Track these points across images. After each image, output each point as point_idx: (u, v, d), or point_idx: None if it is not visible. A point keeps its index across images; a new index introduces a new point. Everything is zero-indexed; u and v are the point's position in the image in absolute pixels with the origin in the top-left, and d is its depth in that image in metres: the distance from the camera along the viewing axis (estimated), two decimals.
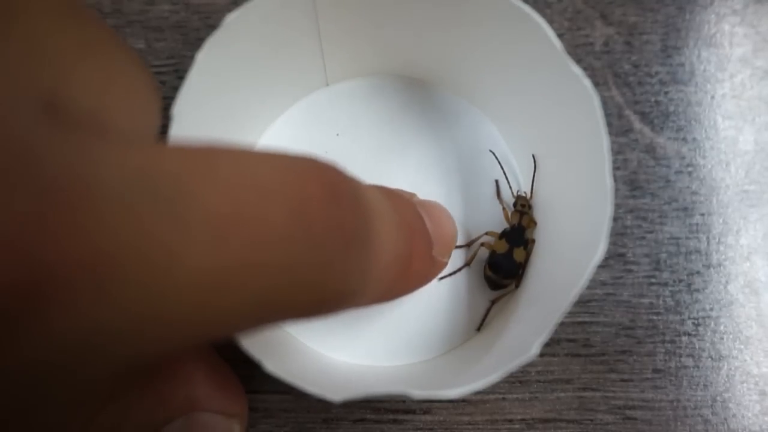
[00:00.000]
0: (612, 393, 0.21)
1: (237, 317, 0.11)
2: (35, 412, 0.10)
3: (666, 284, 0.22)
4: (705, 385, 0.21)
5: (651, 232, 0.22)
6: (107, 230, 0.08)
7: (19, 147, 0.08)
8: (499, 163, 0.21)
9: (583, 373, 0.21)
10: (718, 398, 0.21)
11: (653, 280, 0.22)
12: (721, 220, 0.23)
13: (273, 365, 0.15)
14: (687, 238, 0.22)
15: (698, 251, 0.22)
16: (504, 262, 0.20)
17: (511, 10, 0.17)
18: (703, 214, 0.23)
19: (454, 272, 0.21)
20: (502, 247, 0.20)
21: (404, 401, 0.21)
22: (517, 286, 0.21)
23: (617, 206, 0.23)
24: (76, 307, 0.08)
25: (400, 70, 0.22)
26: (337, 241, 0.12)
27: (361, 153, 0.22)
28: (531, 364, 0.21)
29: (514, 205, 0.21)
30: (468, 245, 0.21)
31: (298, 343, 0.21)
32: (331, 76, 0.22)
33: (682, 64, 0.24)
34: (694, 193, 0.23)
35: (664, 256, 0.22)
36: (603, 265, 0.22)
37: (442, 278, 0.21)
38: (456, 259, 0.21)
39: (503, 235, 0.21)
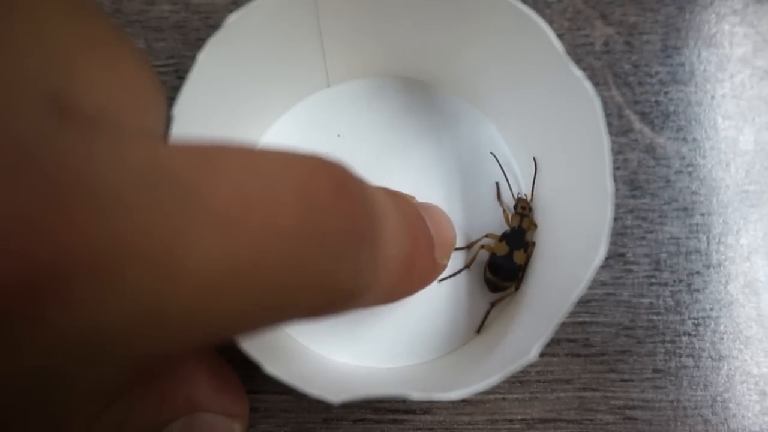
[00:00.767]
0: (612, 393, 0.21)
1: (244, 316, 0.11)
2: (36, 412, 0.10)
3: (666, 284, 0.22)
4: (705, 385, 0.21)
5: (651, 232, 0.22)
6: (110, 228, 0.08)
7: (22, 143, 0.08)
8: (499, 164, 0.21)
9: (583, 373, 0.21)
10: (718, 398, 0.21)
11: (653, 280, 0.22)
12: (721, 220, 0.23)
13: (273, 367, 0.15)
14: (687, 238, 0.22)
15: (698, 251, 0.22)
16: (504, 264, 0.20)
17: (512, 11, 0.17)
18: (703, 214, 0.23)
19: (454, 274, 0.21)
20: (503, 249, 0.20)
21: (404, 401, 0.21)
22: (516, 289, 0.21)
23: (617, 206, 0.23)
24: (77, 307, 0.08)
25: (401, 71, 0.22)
26: (347, 236, 0.12)
27: (362, 154, 0.22)
28: (531, 365, 0.21)
29: (515, 207, 0.21)
30: (468, 247, 0.21)
31: (298, 345, 0.21)
32: (333, 77, 0.22)
33: (682, 64, 0.24)
34: (694, 193, 0.23)
35: (664, 256, 0.22)
36: (603, 265, 0.22)
37: (442, 280, 0.21)
38: (456, 261, 0.21)
39: (503, 237, 0.21)
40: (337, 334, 0.21)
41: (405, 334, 0.21)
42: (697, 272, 0.22)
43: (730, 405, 0.21)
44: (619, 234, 0.22)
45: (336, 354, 0.21)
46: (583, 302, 0.22)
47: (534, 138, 0.20)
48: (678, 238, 0.22)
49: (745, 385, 0.22)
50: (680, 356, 0.22)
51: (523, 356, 0.15)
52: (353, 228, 0.12)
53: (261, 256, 0.10)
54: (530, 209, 0.21)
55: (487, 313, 0.21)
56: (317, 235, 0.11)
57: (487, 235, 0.21)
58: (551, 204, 0.20)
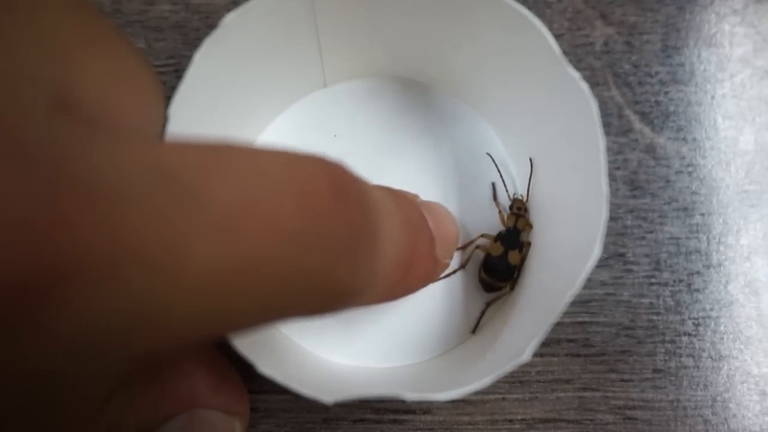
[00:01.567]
0: (612, 393, 0.21)
1: (244, 316, 0.11)
2: (36, 412, 0.10)
3: (666, 284, 0.22)
4: (705, 385, 0.21)
5: (651, 232, 0.22)
6: (110, 229, 0.08)
7: (23, 142, 0.08)
8: (495, 165, 0.21)
9: (583, 373, 0.21)
10: (718, 398, 0.21)
11: (653, 280, 0.22)
12: (721, 220, 0.23)
13: (267, 366, 0.15)
14: (687, 238, 0.22)
15: (698, 251, 0.22)
16: (499, 264, 0.20)
17: (509, 12, 0.17)
18: (703, 214, 0.23)
19: (449, 274, 0.21)
20: (497, 249, 0.21)
21: (404, 401, 0.21)
22: (511, 289, 0.21)
23: (617, 206, 0.23)
24: (76, 308, 0.08)
25: (398, 71, 0.22)
26: (346, 237, 0.12)
27: (359, 154, 0.22)
28: (531, 365, 0.21)
29: (510, 207, 0.21)
30: (463, 248, 0.21)
31: (293, 345, 0.21)
32: (330, 77, 0.22)
33: (682, 64, 0.24)
34: (694, 193, 0.23)
35: (664, 256, 0.22)
36: (603, 265, 0.22)
37: (437, 280, 0.21)
38: (451, 261, 0.21)
39: (498, 237, 0.21)
40: (333, 334, 0.21)
41: (400, 334, 0.21)
42: (697, 272, 0.22)
43: (730, 405, 0.21)
44: (619, 234, 0.22)
45: (331, 354, 0.21)
46: (583, 302, 0.22)
47: (530, 139, 0.21)
48: (678, 238, 0.22)
49: (745, 385, 0.21)
50: (680, 356, 0.22)
51: (516, 357, 0.15)
52: (352, 229, 0.12)
53: (261, 256, 0.10)
54: (526, 210, 0.21)
55: (482, 313, 0.21)
56: (317, 237, 0.11)
57: (482, 235, 0.21)
58: (547, 204, 0.20)
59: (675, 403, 0.21)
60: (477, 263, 0.21)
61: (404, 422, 0.21)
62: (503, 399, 0.21)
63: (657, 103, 0.23)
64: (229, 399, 0.17)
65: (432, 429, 0.21)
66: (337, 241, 0.11)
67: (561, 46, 0.23)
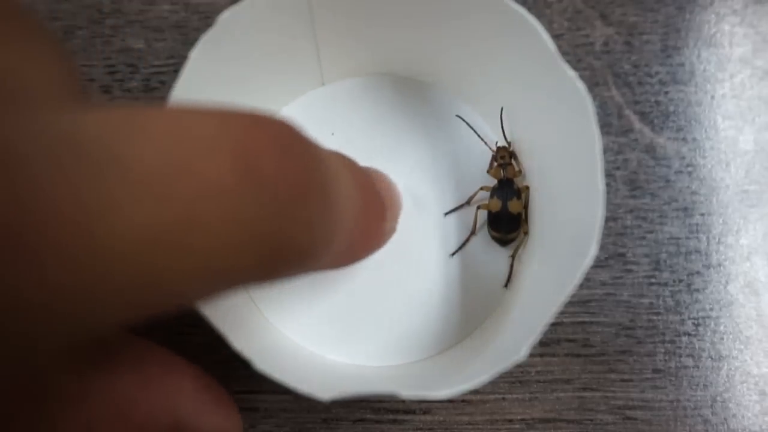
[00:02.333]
0: (612, 393, 0.21)
1: (188, 278, 0.10)
2: None
3: (666, 284, 0.22)
4: (705, 385, 0.21)
5: (651, 232, 0.22)
6: (36, 195, 0.08)
7: None
8: (470, 127, 0.22)
9: (583, 373, 0.21)
10: (718, 398, 0.21)
11: (653, 280, 0.22)
12: (721, 220, 0.23)
13: (263, 364, 0.15)
14: (687, 238, 0.22)
15: (698, 251, 0.22)
16: (502, 218, 0.21)
17: (505, 11, 0.17)
18: (703, 214, 0.23)
19: (463, 244, 0.21)
20: (496, 205, 0.21)
21: (404, 401, 0.21)
22: (526, 233, 0.21)
23: (617, 206, 0.23)
24: (9, 275, 0.08)
25: (395, 69, 0.22)
26: (288, 194, 0.11)
27: (356, 152, 0.22)
28: (531, 365, 0.21)
29: (495, 158, 0.21)
30: (468, 202, 0.22)
31: (291, 343, 0.21)
32: (327, 75, 0.22)
33: (682, 64, 0.24)
34: (694, 193, 0.23)
35: (664, 256, 0.22)
36: (603, 265, 0.22)
37: (453, 254, 0.21)
38: (459, 229, 0.22)
39: (493, 193, 0.21)
40: (331, 333, 0.21)
41: (397, 333, 0.21)
42: (697, 272, 0.22)
43: (730, 405, 0.21)
44: (619, 234, 0.22)
45: (329, 352, 0.21)
46: (583, 302, 0.22)
47: (527, 137, 0.21)
48: (678, 238, 0.22)
49: (745, 385, 0.21)
50: (680, 356, 0.22)
51: (513, 356, 0.15)
52: (296, 185, 0.12)
53: (194, 217, 0.10)
54: (511, 155, 0.21)
55: (511, 266, 0.21)
56: (257, 194, 0.11)
57: (481, 188, 0.21)
58: (545, 203, 0.20)
59: (675, 403, 0.21)
60: (472, 264, 0.21)
61: (404, 422, 0.21)
62: (503, 399, 0.21)
63: (657, 103, 0.23)
64: (217, 417, 0.17)
65: (432, 429, 0.21)
66: (282, 198, 0.11)
67: (561, 46, 0.24)
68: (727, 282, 0.22)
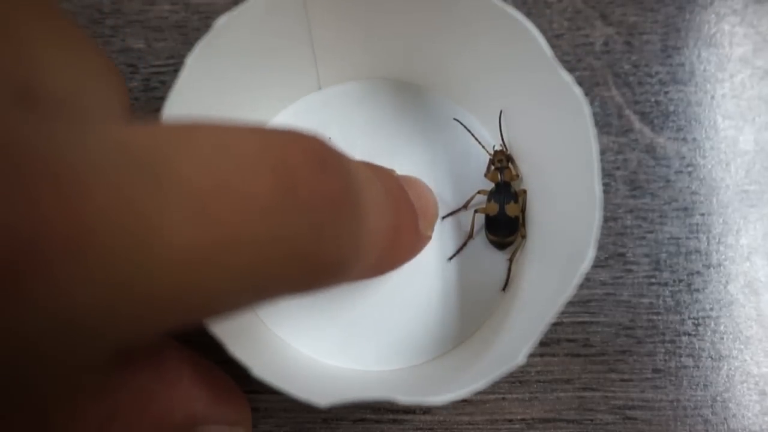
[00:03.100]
0: (612, 393, 0.21)
1: (227, 292, 0.11)
2: (18, 393, 0.10)
3: (666, 284, 0.22)
4: (705, 385, 0.21)
5: (651, 232, 0.22)
6: (87, 205, 0.08)
7: None
8: (468, 130, 0.22)
9: (583, 373, 0.21)
10: (718, 398, 0.21)
11: (653, 280, 0.22)
12: (721, 220, 0.23)
13: (261, 370, 0.15)
14: (687, 238, 0.22)
15: (698, 251, 0.22)
16: (500, 221, 0.21)
17: (502, 15, 0.17)
18: (703, 214, 0.23)
19: (461, 248, 0.21)
20: (493, 208, 0.21)
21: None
22: (523, 237, 0.21)
23: (617, 206, 0.23)
24: (57, 283, 0.08)
25: (392, 74, 0.22)
26: (326, 209, 0.12)
27: (354, 157, 0.22)
28: (531, 365, 0.21)
29: (492, 162, 0.21)
30: (465, 206, 0.22)
31: (289, 348, 0.21)
32: (324, 79, 0.22)
33: (682, 64, 0.24)
34: (694, 193, 0.23)
35: (664, 256, 0.22)
36: (603, 265, 0.22)
37: (451, 258, 0.21)
38: (456, 233, 0.22)
39: (490, 196, 0.21)
40: (328, 338, 0.21)
41: (395, 337, 0.21)
42: (697, 272, 0.22)
43: (730, 405, 0.21)
44: (619, 234, 0.22)
45: (327, 357, 0.21)
46: (583, 302, 0.22)
47: (525, 141, 0.21)
48: (678, 238, 0.22)
49: (745, 385, 0.22)
50: (680, 356, 0.22)
51: (511, 360, 0.15)
52: (333, 201, 0.12)
53: (236, 234, 0.10)
54: (508, 159, 0.21)
55: (509, 270, 0.21)
56: (296, 211, 0.11)
57: (479, 192, 0.21)
58: (542, 207, 0.20)
59: (675, 403, 0.21)
60: (473, 261, 0.21)
61: (404, 422, 0.21)
62: (503, 399, 0.21)
63: (657, 103, 0.23)
64: (228, 409, 0.17)
65: (432, 429, 0.21)
66: (318, 213, 0.11)
67: (561, 46, 0.24)
68: (727, 282, 0.22)
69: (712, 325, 0.22)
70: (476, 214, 0.21)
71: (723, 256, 0.22)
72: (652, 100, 0.23)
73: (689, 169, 0.23)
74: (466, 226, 0.21)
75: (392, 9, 0.19)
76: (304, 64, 0.21)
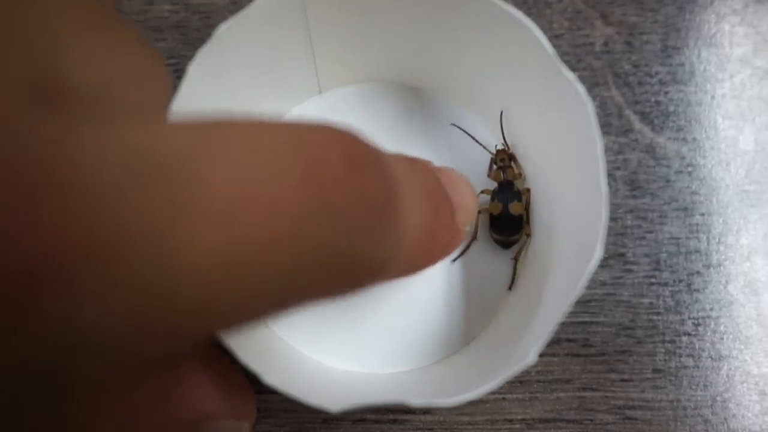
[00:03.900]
0: (612, 393, 0.21)
1: (260, 300, 0.10)
2: (34, 407, 0.09)
3: (666, 284, 0.22)
4: (705, 385, 0.21)
5: (651, 232, 0.22)
6: (100, 216, 0.08)
7: (5, 133, 0.08)
8: (467, 134, 0.22)
9: (583, 373, 0.21)
10: (718, 398, 0.21)
11: (653, 280, 0.22)
12: (721, 220, 0.23)
13: (271, 377, 0.15)
14: (687, 238, 0.22)
15: (698, 251, 0.22)
16: (504, 220, 0.21)
17: (503, 16, 0.17)
18: (703, 214, 0.23)
19: (465, 250, 0.21)
20: (497, 207, 0.21)
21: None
22: (528, 235, 0.21)
23: (617, 206, 0.22)
24: (72, 300, 0.08)
25: (393, 76, 0.22)
26: (363, 209, 0.11)
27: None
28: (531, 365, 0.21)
29: (494, 162, 0.21)
30: None
31: (296, 353, 0.20)
32: (324, 83, 0.22)
33: (682, 64, 0.24)
34: (694, 193, 0.23)
35: (664, 256, 0.22)
36: (603, 265, 0.22)
37: (454, 260, 0.21)
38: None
39: (494, 196, 0.21)
40: (336, 341, 0.21)
41: (402, 339, 0.21)
42: (697, 272, 0.22)
43: (730, 405, 0.21)
44: (619, 234, 0.22)
45: (334, 361, 0.21)
46: (583, 302, 0.22)
47: (528, 140, 0.21)
48: (678, 238, 0.22)
49: (745, 385, 0.21)
50: (680, 356, 0.22)
51: (521, 359, 0.15)
52: (369, 201, 0.11)
53: (271, 234, 0.09)
54: (511, 158, 0.21)
55: (514, 269, 0.21)
56: (330, 213, 0.10)
57: (482, 191, 0.21)
58: (548, 206, 0.20)
59: (675, 403, 0.21)
60: (477, 262, 0.21)
61: (404, 422, 0.21)
62: (503, 399, 0.21)
63: (657, 103, 0.23)
64: (237, 403, 0.16)
65: (432, 429, 0.21)
66: (354, 214, 0.11)
67: (561, 46, 0.24)
68: (727, 282, 0.22)
69: (712, 325, 0.22)
70: (480, 215, 0.21)
71: (723, 256, 0.22)
72: (652, 100, 0.23)
73: (689, 169, 0.23)
74: (470, 227, 0.21)
75: (392, 12, 0.19)
76: (304, 69, 0.21)
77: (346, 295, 0.12)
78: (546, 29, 0.24)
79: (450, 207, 0.16)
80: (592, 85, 0.23)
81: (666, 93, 0.23)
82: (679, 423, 0.21)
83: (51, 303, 0.08)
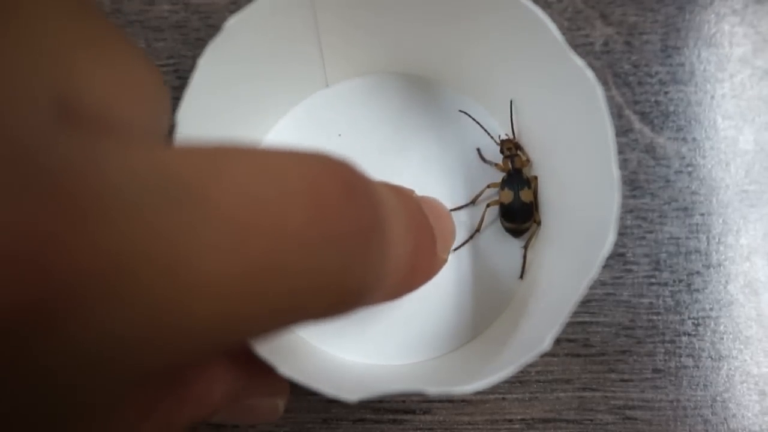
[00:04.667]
0: (612, 393, 0.21)
1: (260, 321, 0.10)
2: (49, 419, 0.10)
3: (666, 284, 0.22)
4: (705, 385, 0.21)
5: (651, 232, 0.22)
6: (119, 237, 0.08)
7: (27, 152, 0.08)
8: (476, 122, 0.22)
9: (583, 373, 0.21)
10: (718, 398, 0.21)
11: (653, 280, 0.22)
12: (721, 220, 0.23)
13: (287, 368, 0.15)
14: (687, 238, 0.22)
15: (698, 251, 0.22)
16: (515, 208, 0.21)
17: (511, 4, 0.17)
18: (703, 214, 0.23)
19: (468, 240, 0.21)
20: (508, 196, 0.21)
21: (404, 401, 0.21)
22: (538, 223, 0.21)
23: None
24: (90, 320, 0.08)
25: (400, 68, 0.22)
26: (356, 236, 0.11)
27: (364, 153, 0.22)
28: (531, 364, 0.21)
29: (501, 151, 0.21)
30: (473, 202, 0.22)
31: (308, 346, 0.21)
32: (331, 76, 0.22)
33: (682, 64, 0.24)
34: (694, 193, 0.23)
35: (664, 256, 0.22)
36: (603, 265, 0.22)
37: (455, 249, 0.21)
38: (469, 225, 0.22)
39: (504, 185, 0.21)
40: (348, 333, 0.21)
41: (414, 330, 0.21)
42: (697, 272, 0.22)
43: (730, 405, 0.21)
44: (619, 234, 0.22)
45: (347, 353, 0.21)
46: (583, 302, 0.22)
47: (537, 129, 0.21)
48: (678, 238, 0.22)
49: (745, 385, 0.21)
50: (680, 356, 0.22)
51: (537, 346, 0.15)
52: (361, 227, 0.12)
53: (273, 259, 0.10)
54: (517, 147, 0.21)
55: (524, 257, 0.21)
56: (327, 236, 0.11)
57: (489, 186, 0.21)
58: (559, 194, 0.20)
59: (675, 403, 0.21)
60: (478, 269, 0.21)
61: (404, 422, 0.21)
62: (503, 399, 0.21)
63: (657, 103, 0.23)
64: (268, 380, 0.17)
65: (432, 429, 0.21)
66: (348, 240, 0.11)
67: None
68: (727, 282, 0.22)
69: (712, 325, 0.22)
70: (488, 209, 0.21)
71: (723, 256, 0.22)
72: (652, 100, 0.23)
73: (689, 169, 0.23)
74: (476, 219, 0.22)
75: (400, 3, 0.19)
76: (311, 62, 0.21)
77: (333, 319, 0.12)
78: None
79: (432, 236, 0.17)
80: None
81: (666, 93, 0.23)
82: (678, 423, 0.21)
83: (70, 325, 0.08)
